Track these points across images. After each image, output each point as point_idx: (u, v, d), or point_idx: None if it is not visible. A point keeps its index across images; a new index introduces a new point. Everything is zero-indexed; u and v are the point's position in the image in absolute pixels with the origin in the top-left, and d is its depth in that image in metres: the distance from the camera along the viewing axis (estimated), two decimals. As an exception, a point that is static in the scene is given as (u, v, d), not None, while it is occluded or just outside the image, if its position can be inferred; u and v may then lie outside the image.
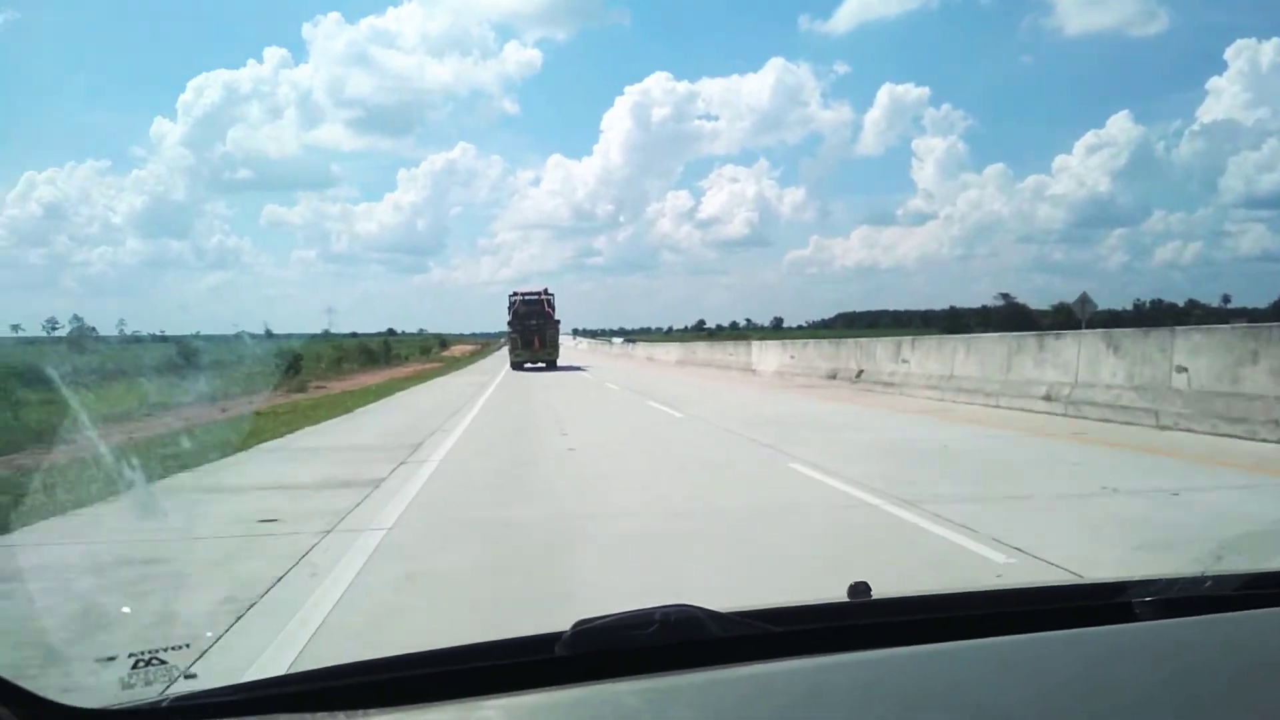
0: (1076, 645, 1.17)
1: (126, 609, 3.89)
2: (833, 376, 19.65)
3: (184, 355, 21.96)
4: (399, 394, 21.45)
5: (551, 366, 35.67)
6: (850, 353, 19.63)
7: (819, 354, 21.85)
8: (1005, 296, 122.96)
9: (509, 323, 36.42)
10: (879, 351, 18.03)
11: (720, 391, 19.55)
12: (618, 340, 57.18)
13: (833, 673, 1.09)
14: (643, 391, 19.80)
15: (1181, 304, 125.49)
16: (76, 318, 68.13)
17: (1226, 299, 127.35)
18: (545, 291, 37.62)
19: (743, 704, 1.03)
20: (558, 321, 37.25)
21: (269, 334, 35.62)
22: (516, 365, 35.56)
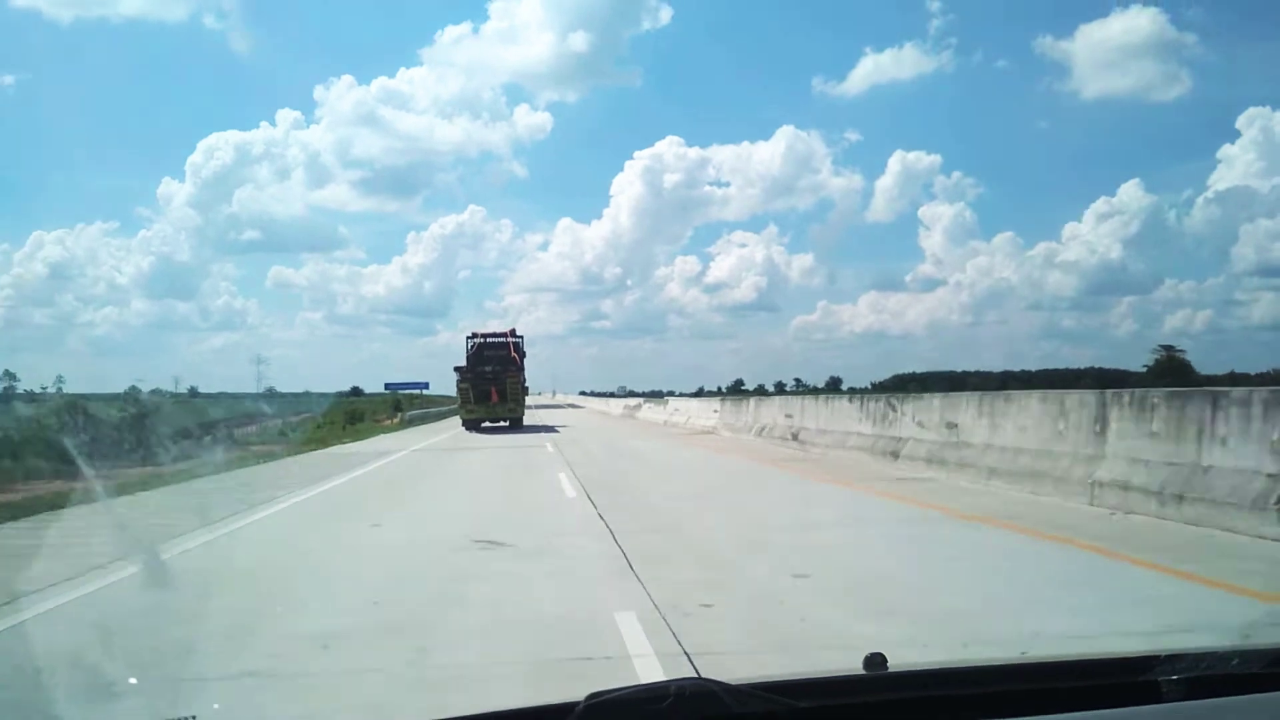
0: None
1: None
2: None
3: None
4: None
5: (517, 425, 27.44)
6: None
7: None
8: (1168, 349, 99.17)
9: (458, 368, 27.46)
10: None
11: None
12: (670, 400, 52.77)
13: None
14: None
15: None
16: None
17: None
18: (513, 333, 29.31)
19: None
20: (523, 370, 28.87)
21: (193, 392, 27.91)
22: (471, 425, 27.30)
